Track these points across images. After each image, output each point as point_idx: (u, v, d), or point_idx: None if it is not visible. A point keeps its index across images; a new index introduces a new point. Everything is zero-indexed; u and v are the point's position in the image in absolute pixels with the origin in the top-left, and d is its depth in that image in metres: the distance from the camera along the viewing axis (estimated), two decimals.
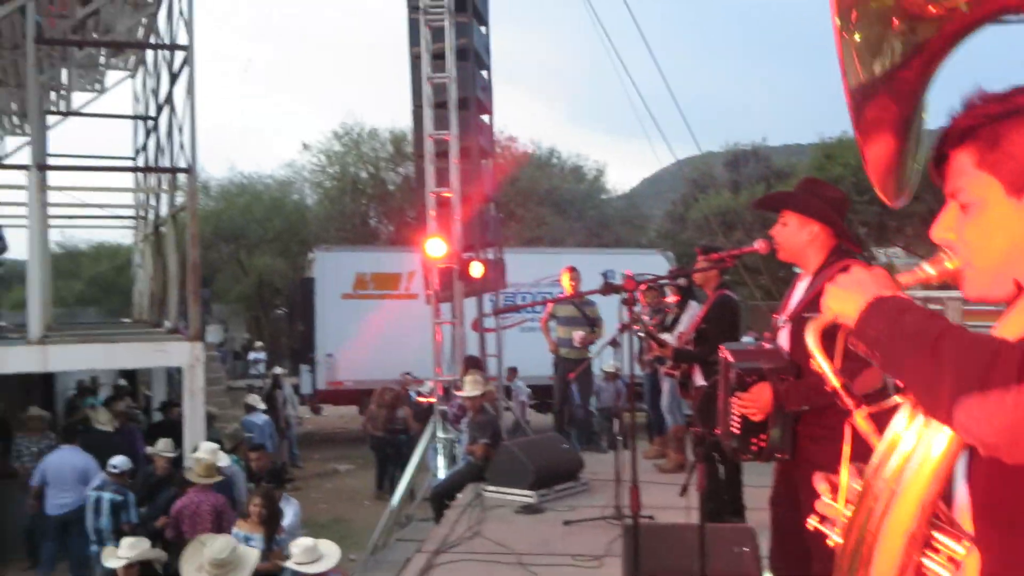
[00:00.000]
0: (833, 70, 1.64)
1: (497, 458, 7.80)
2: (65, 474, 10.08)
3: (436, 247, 10.01)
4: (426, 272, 10.56)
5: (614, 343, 6.83)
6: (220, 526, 7.08)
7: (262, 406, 14.44)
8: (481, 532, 6.45)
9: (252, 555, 5.45)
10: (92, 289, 35.97)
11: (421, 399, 13.53)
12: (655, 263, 18.20)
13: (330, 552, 5.87)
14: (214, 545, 5.38)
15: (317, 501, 14.31)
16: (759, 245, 3.94)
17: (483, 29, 11.74)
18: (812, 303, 3.31)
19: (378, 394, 15.05)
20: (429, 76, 10.64)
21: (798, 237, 3.64)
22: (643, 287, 7.18)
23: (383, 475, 14.36)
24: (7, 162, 17.06)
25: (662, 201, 42.62)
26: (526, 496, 7.28)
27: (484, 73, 11.54)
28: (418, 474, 10.53)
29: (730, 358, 3.56)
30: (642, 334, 7.25)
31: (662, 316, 8.31)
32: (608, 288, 4.54)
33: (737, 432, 3.53)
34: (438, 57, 10.71)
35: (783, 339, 3.61)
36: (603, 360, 11.85)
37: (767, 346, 3.67)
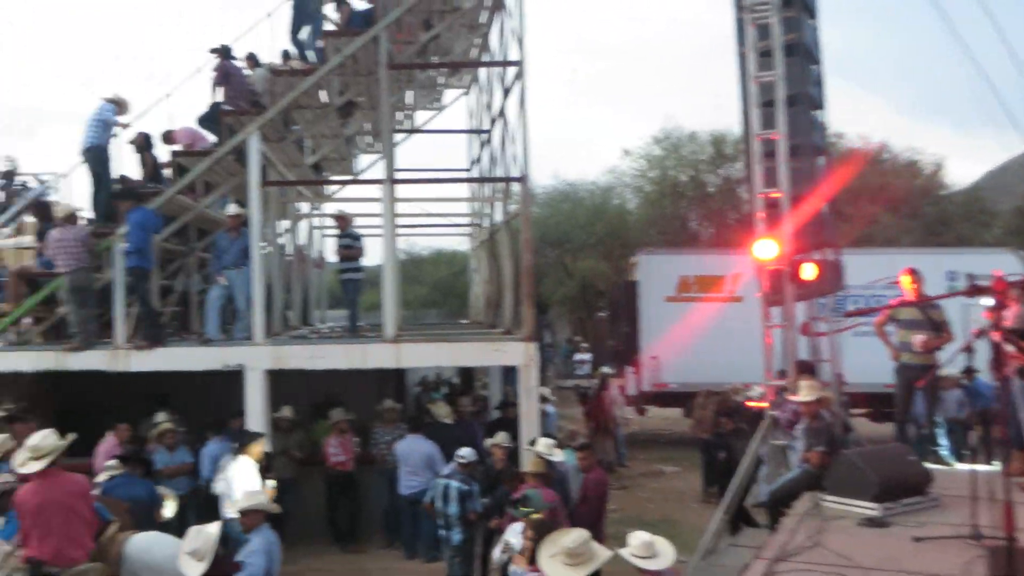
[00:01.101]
0: None
1: (836, 467, 7.47)
2: (414, 459, 11.08)
3: (766, 249, 9.77)
4: (756, 275, 10.34)
5: (968, 349, 6.33)
6: (555, 521, 7.33)
7: (553, 398, 14.86)
8: (822, 543, 6.22)
9: (604, 552, 5.66)
10: (433, 293, 38.81)
11: (750, 403, 13.27)
12: (1006, 263, 16.56)
13: (666, 551, 5.93)
14: (569, 536, 5.65)
15: (644, 500, 14.49)
16: None
17: (812, 22, 11.30)
18: None
19: (703, 397, 14.95)
20: (755, 75, 10.42)
21: None
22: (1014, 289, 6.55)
23: (710, 478, 14.25)
24: (365, 177, 18.90)
25: (1009, 195, 38.65)
26: (869, 508, 6.91)
27: (815, 68, 11.11)
28: (747, 480, 10.33)
29: None
30: (1004, 339, 6.64)
31: None
32: (974, 290, 4.21)
33: None
34: (765, 55, 10.46)
35: None
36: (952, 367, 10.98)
37: None
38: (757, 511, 9.56)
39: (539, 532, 6.59)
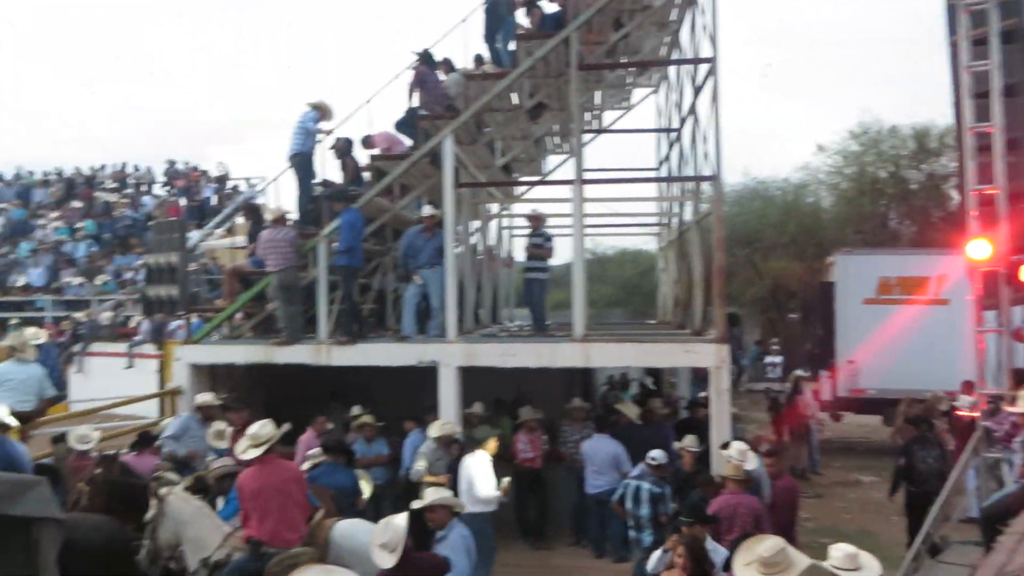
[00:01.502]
0: None
1: None
2: (600, 458, 11.14)
3: (979, 249, 9.21)
4: (967, 276, 9.75)
5: None
6: (759, 529, 7.17)
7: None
8: None
9: (803, 560, 5.47)
10: (617, 292, 38.71)
11: (959, 413, 12.51)
12: None
13: (870, 565, 5.67)
14: (765, 544, 5.50)
15: (840, 510, 13.94)
16: None
17: None
18: None
19: (906, 405, 14.22)
20: (968, 64, 9.83)
21: None
22: None
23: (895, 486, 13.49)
24: (553, 178, 19.10)
25: None
26: None
27: None
28: (954, 494, 9.76)
29: None
30: None
31: None
32: None
33: None
34: (979, 43, 9.85)
35: None
36: None
37: None
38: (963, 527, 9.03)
39: (690, 548, 6.42)
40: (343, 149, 13.53)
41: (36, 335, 11.40)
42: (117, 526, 7.83)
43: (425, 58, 13.16)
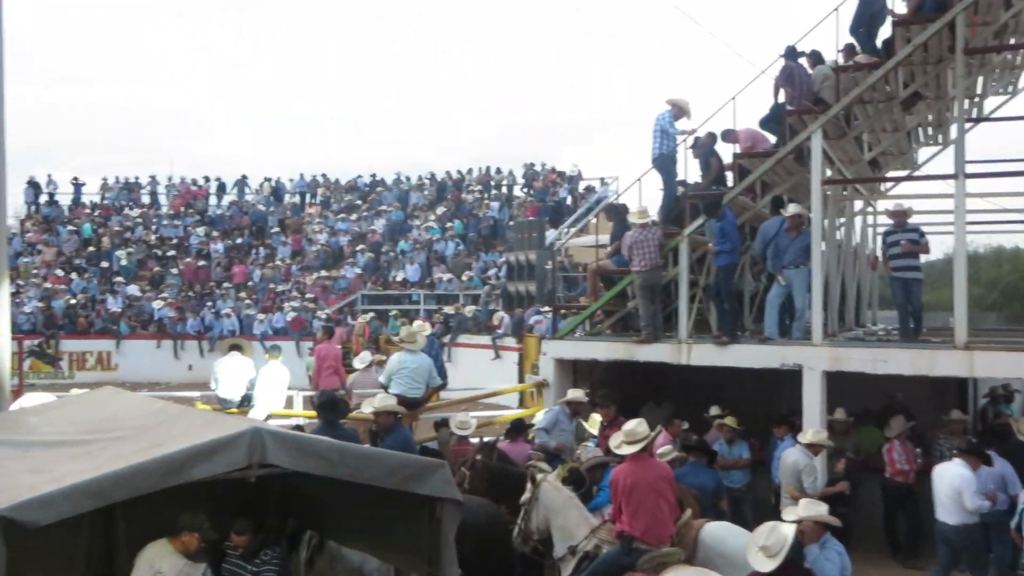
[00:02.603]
0: None
1: None
2: (981, 477, 10.11)
3: None
4: None
5: None
6: None
7: None
8: None
9: None
10: (993, 294, 35.24)
11: None
12: None
13: None
14: None
15: None
16: None
17: None
18: None
19: None
20: None
21: None
22: None
23: None
24: (924, 172, 17.81)
25: None
26: None
27: None
28: None
29: None
30: None
31: None
32: None
33: None
34: None
35: None
36: None
37: None
38: None
39: None
40: (706, 146, 13.48)
41: (423, 327, 12.50)
42: (495, 508, 8.38)
43: (791, 53, 12.78)
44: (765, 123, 13.47)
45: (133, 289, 31.13)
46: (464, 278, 29.35)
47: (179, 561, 6.25)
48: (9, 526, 4.74)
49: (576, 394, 11.23)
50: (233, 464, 5.37)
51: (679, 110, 13.28)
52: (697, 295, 12.67)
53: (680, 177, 13.69)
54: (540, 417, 11.36)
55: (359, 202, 37.27)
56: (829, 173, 12.78)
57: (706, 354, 12.06)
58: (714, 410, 11.93)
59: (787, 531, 6.32)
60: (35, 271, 32.17)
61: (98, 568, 6.72)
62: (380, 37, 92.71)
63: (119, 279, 31.54)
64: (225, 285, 31.43)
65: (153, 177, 38.98)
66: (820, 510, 7.17)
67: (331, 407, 9.52)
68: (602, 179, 33.26)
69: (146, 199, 38.29)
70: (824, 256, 12.21)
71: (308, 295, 29.39)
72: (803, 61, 13.18)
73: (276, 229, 35.08)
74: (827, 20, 12.86)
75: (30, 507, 4.80)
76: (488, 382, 16.02)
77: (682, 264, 12.35)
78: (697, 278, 12.73)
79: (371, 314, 25.30)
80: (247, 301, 30.05)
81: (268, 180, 38.40)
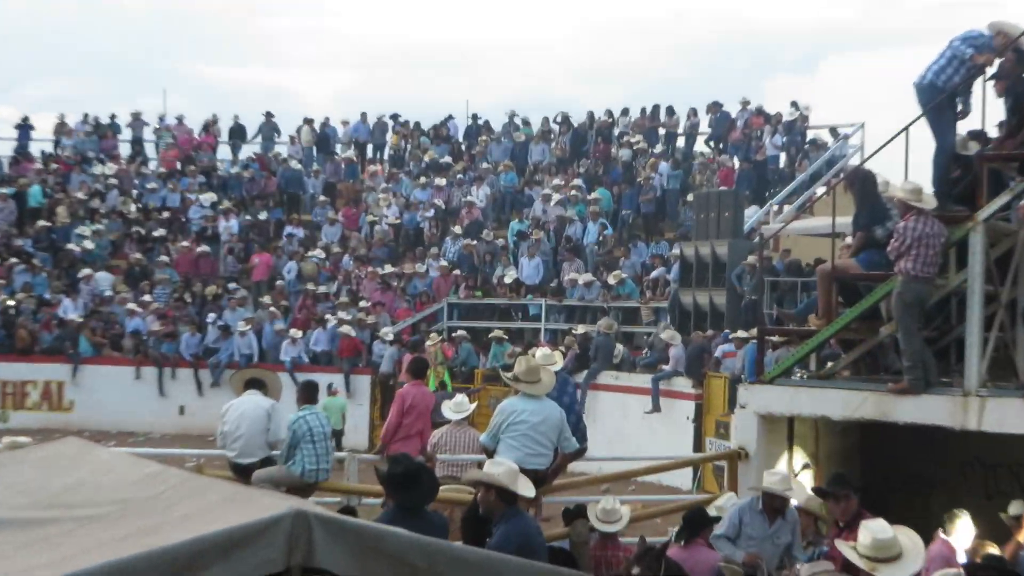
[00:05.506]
0: None
1: None
2: None
3: None
4: None
5: None
6: None
7: None
8: None
9: None
10: None
11: None
12: None
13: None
14: None
15: None
16: None
17: None
18: None
19: None
20: None
21: None
22: None
23: None
24: None
25: None
26: None
27: None
28: None
29: None
30: None
31: None
32: None
33: None
34: None
35: None
36: None
37: None
38: None
39: None
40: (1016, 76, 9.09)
41: (552, 357, 9.30)
42: None
43: None
44: None
45: (102, 285, 22.49)
46: (612, 280, 20.86)
47: None
48: None
49: (774, 481, 7.80)
50: (264, 566, 3.94)
51: (1005, 39, 8.83)
52: (997, 318, 8.68)
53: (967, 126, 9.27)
54: (721, 504, 8.38)
55: (448, 158, 26.97)
56: None
57: (1011, 414, 8.53)
58: (1017, 507, 8.55)
59: None
60: None
61: None
62: None
63: (85, 271, 22.37)
64: (239, 284, 23.04)
65: (136, 115, 28.12)
66: None
67: (411, 482, 6.81)
68: (833, 128, 25.31)
69: (125, 149, 27.68)
70: None
71: (366, 301, 21.58)
72: None
73: (321, 198, 25.56)
74: None
75: None
76: (643, 447, 12.78)
77: (974, 268, 8.45)
78: (997, 290, 8.74)
79: (459, 331, 19.89)
80: (272, 309, 21.52)
81: (309, 122, 27.72)
